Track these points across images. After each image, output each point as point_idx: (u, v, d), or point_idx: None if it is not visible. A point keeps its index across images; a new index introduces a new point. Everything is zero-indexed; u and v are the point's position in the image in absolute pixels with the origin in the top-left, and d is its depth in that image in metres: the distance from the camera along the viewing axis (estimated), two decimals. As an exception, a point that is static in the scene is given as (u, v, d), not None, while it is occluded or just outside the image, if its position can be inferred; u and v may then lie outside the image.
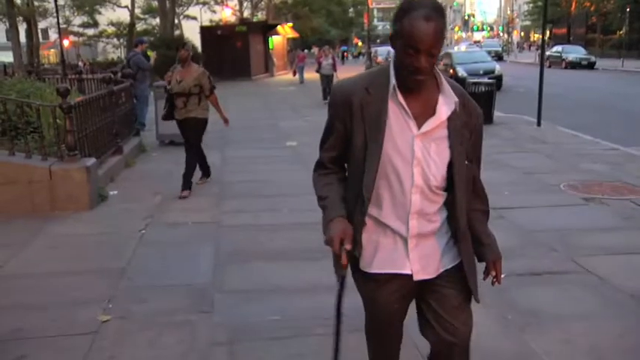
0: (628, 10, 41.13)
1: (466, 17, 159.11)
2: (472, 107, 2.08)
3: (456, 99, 1.98)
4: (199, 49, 30.27)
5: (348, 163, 2.13)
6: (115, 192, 7.00)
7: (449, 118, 1.99)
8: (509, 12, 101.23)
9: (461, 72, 20.07)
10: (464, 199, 2.06)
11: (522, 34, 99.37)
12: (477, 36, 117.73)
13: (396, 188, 2.01)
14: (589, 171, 7.94)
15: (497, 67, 21.90)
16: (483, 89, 12.35)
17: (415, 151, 1.97)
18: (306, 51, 41.66)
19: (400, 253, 2.08)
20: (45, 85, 9.56)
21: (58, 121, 6.56)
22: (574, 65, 35.05)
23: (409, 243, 2.06)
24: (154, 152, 9.76)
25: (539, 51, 13.46)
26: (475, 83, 12.68)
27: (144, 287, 4.28)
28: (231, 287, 4.26)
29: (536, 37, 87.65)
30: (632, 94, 19.44)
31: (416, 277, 2.10)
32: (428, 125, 1.97)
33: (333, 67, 18.47)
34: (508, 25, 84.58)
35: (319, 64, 18.88)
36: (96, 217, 6.00)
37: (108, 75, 8.99)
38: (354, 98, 2.00)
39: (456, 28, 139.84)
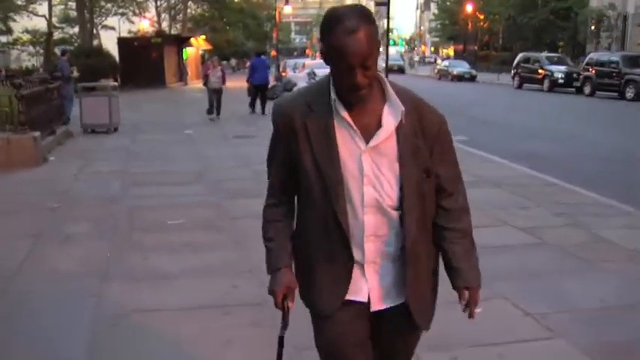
0: (500, 31, 46.75)
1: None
2: (429, 114, 1.89)
3: (402, 107, 1.80)
4: (117, 58, 32.70)
5: (299, 190, 1.97)
6: (53, 158, 9.90)
7: (397, 129, 1.82)
8: (421, 28, 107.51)
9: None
10: (413, 217, 1.87)
11: (432, 48, 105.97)
12: (392, 50, 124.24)
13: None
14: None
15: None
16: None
17: (364, 169, 1.82)
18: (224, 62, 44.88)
19: (356, 279, 1.93)
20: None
21: (9, 106, 9.38)
22: (460, 78, 39.71)
23: (366, 268, 1.92)
24: (79, 137, 12.58)
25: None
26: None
27: (80, 197, 7.32)
28: (131, 195, 7.37)
29: (444, 52, 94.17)
30: (485, 100, 23.66)
31: (373, 308, 1.96)
32: (376, 139, 1.81)
33: (222, 79, 16.52)
34: (412, 41, 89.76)
35: (206, 76, 16.97)
36: (43, 170, 8.92)
37: (44, 76, 11.78)
38: (296, 115, 1.85)
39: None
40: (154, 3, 49.02)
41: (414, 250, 1.91)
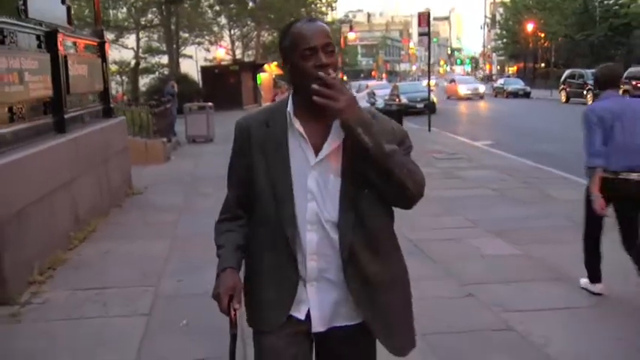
0: (553, 49, 48.46)
1: (449, 52, 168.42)
2: (387, 125, 1.89)
3: None
4: (200, 84, 37.28)
5: (253, 205, 1.98)
6: (173, 157, 13.66)
7: (344, 143, 1.84)
8: (487, 47, 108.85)
9: (404, 99, 27.00)
10: (349, 232, 1.86)
11: (498, 67, 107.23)
12: (458, 69, 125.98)
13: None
14: (432, 148, 14.45)
15: (432, 95, 28.74)
16: (394, 108, 18.97)
17: (308, 184, 1.86)
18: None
19: (298, 295, 1.93)
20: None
21: (146, 120, 13.18)
22: (515, 94, 41.94)
23: (308, 287, 1.92)
24: (185, 145, 16.44)
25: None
26: (387, 104, 19.31)
27: (201, 176, 10.92)
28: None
29: (508, 70, 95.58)
30: (524, 113, 26.28)
31: (314, 329, 1.95)
32: (322, 152, 1.85)
33: None
34: (475, 59, 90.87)
35: (273, 102, 16.28)
36: (170, 164, 12.68)
37: (165, 99, 15.73)
38: (253, 132, 1.93)
39: (442, 62, 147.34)
40: (228, 32, 53.82)
41: (356, 270, 1.89)
